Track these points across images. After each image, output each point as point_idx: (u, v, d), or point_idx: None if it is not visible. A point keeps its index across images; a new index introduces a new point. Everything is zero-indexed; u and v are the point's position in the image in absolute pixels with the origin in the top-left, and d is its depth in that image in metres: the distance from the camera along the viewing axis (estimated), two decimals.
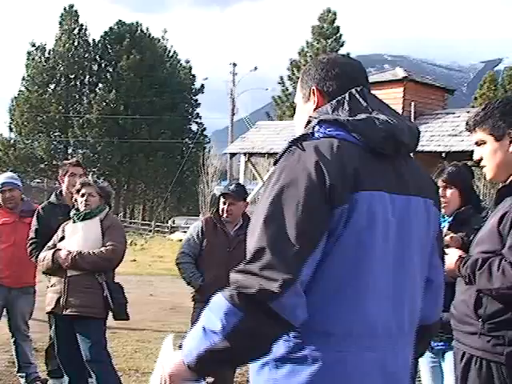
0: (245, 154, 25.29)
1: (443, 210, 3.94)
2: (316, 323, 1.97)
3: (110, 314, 5.76)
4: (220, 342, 1.86)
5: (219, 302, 1.89)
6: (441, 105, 21.85)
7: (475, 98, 49.90)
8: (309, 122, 2.17)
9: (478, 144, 3.20)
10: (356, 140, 2.06)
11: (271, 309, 1.84)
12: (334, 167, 1.96)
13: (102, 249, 5.60)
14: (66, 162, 6.79)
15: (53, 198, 6.47)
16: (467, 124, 3.23)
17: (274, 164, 2.09)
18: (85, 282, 5.58)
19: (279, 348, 1.99)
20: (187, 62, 64.97)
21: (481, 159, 3.19)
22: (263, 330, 1.87)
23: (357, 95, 2.16)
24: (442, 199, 3.89)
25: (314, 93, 2.27)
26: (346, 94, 2.16)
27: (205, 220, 6.22)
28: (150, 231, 44.51)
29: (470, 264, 3.08)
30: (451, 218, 3.95)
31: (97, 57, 60.93)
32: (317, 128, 2.11)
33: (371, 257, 2.00)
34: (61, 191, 6.47)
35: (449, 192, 3.96)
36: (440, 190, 3.91)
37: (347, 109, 2.12)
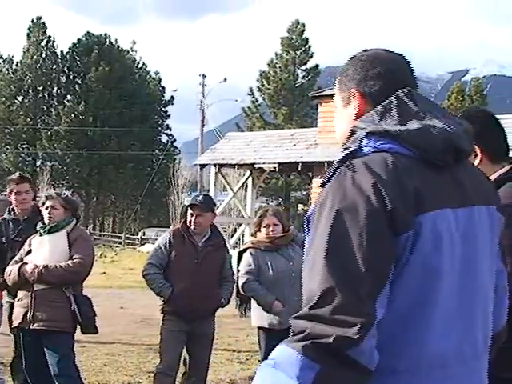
0: (215, 165, 25.22)
1: None
2: (383, 361, 1.71)
3: (79, 327, 5.72)
4: None
5: (288, 356, 1.64)
6: None
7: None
8: (352, 132, 1.90)
9: None
10: (411, 153, 1.81)
11: (349, 357, 1.61)
12: (393, 188, 1.72)
13: (69, 262, 5.54)
14: (10, 178, 6.58)
15: (6, 214, 6.39)
16: None
17: (322, 186, 1.83)
18: (52, 296, 5.53)
19: None
20: (156, 73, 64.90)
21: None
22: (343, 380, 1.63)
23: (405, 98, 1.88)
24: None
25: (354, 96, 1.99)
26: (393, 98, 1.88)
27: (173, 231, 6.18)
28: (120, 243, 44.27)
29: None
30: None
31: (65, 68, 60.57)
32: (365, 141, 1.84)
33: (438, 282, 1.79)
34: (13, 207, 6.38)
35: None
36: None
37: (396, 115, 1.85)
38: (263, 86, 50.62)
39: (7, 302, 6.26)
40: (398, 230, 1.70)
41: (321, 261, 1.67)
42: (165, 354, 6.01)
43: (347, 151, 1.83)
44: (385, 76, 1.95)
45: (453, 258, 1.81)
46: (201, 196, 6.33)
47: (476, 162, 3.03)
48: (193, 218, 5.98)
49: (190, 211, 6.01)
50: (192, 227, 5.99)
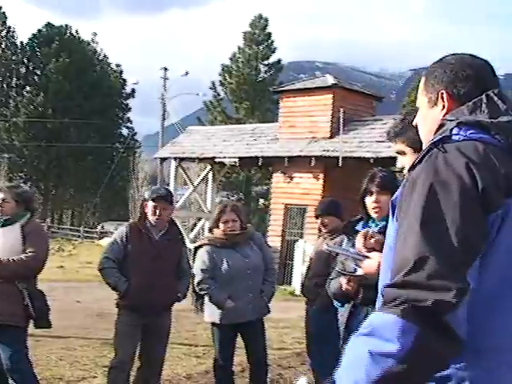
0: (175, 158, 25.15)
1: (375, 215, 3.96)
2: (466, 339, 1.72)
3: (32, 321, 5.65)
4: (396, 364, 1.62)
5: (386, 321, 1.66)
6: (369, 112, 22.16)
7: (403, 106, 50.82)
8: (441, 125, 1.99)
9: (399, 153, 3.21)
10: (500, 144, 1.88)
11: (446, 322, 1.64)
12: (486, 170, 1.78)
13: (23, 255, 5.46)
14: None
15: None
16: (388, 134, 3.24)
17: (411, 169, 1.91)
18: (4, 290, 5.45)
19: None
20: (118, 65, 64.36)
21: (403, 167, 3.21)
22: (440, 346, 1.65)
23: (495, 97, 1.96)
24: (375, 204, 3.91)
25: (442, 97, 2.06)
26: (483, 96, 1.96)
27: (130, 225, 6.11)
28: (79, 237, 43.89)
29: None
30: (383, 223, 3.96)
31: (24, 59, 59.71)
32: (456, 130, 1.92)
33: None
34: None
35: (383, 197, 3.98)
36: (374, 196, 3.93)
37: (486, 111, 1.93)
38: (225, 80, 50.53)
39: None
40: (488, 209, 1.76)
41: (415, 230, 1.72)
42: (120, 348, 5.95)
43: (437, 138, 1.90)
44: (474, 79, 2.03)
45: None
46: (163, 189, 6.28)
47: None
48: (157, 211, 5.90)
49: (152, 204, 5.93)
50: (155, 219, 5.91)
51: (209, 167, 25.92)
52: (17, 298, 5.47)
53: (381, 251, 3.51)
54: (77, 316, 11.90)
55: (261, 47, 50.36)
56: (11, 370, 5.47)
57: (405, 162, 3.17)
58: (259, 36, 50.31)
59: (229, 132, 25.39)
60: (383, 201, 3.95)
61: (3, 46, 58.51)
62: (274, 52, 51.05)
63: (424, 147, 2.06)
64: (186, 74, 45.03)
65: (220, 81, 51.00)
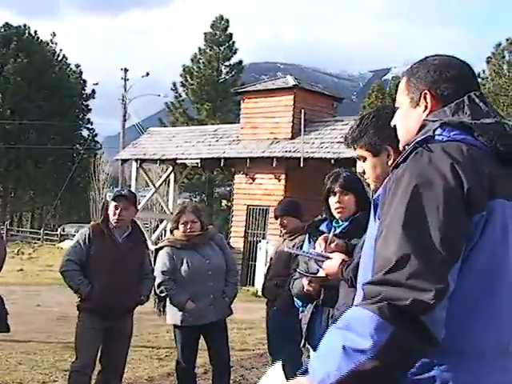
0: (136, 160, 25.02)
1: (338, 215, 3.97)
2: (449, 341, 1.76)
3: None
4: (368, 361, 1.64)
5: (362, 317, 1.68)
6: (330, 112, 22.29)
7: (364, 107, 51.22)
8: (423, 126, 2.00)
9: (358, 159, 3.23)
10: (483, 145, 1.89)
11: (422, 322, 1.66)
12: (470, 171, 1.79)
13: None
14: None
15: None
16: (345, 140, 3.25)
17: (395, 168, 1.92)
18: None
19: None
20: (77, 66, 63.69)
21: (364, 172, 3.23)
22: (413, 345, 1.67)
23: (477, 99, 1.98)
24: (338, 204, 3.93)
25: (425, 97, 2.06)
26: (465, 98, 1.98)
27: (92, 226, 6.06)
28: (39, 239, 43.38)
29: (352, 268, 3.12)
30: (347, 224, 3.98)
31: None
32: (439, 131, 1.93)
33: (504, 271, 1.84)
34: None
35: (346, 197, 3.99)
36: (337, 196, 3.94)
37: (468, 113, 1.94)
38: (186, 81, 50.37)
39: None
40: (472, 209, 1.77)
41: (398, 230, 1.73)
42: (81, 351, 5.89)
43: (421, 137, 1.90)
44: (457, 80, 2.05)
45: None
46: (125, 190, 6.27)
47: (387, 159, 3.07)
48: (117, 211, 5.86)
49: (114, 204, 5.88)
50: (115, 220, 5.87)
51: (170, 168, 25.82)
52: None
53: (340, 252, 3.54)
54: (37, 320, 11.77)
55: (222, 48, 50.29)
56: None
57: (365, 166, 3.18)
58: (220, 37, 50.26)
59: (190, 133, 25.33)
60: (346, 201, 3.97)
61: None
62: (235, 53, 51.02)
63: (401, 146, 2.12)
64: (147, 74, 44.86)
65: (181, 82, 50.82)
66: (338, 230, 3.92)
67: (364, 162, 3.18)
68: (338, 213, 3.97)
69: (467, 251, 1.79)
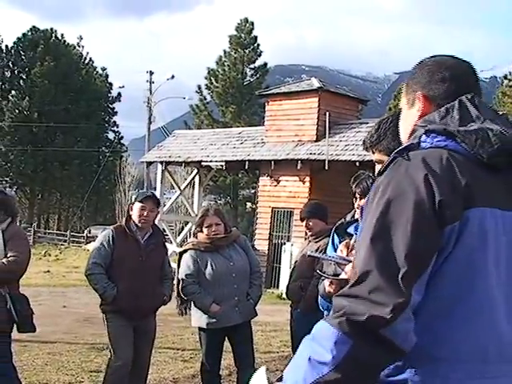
0: (162, 162, 25.13)
1: (360, 219, 3.97)
2: (421, 346, 1.81)
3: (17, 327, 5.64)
4: (330, 373, 1.72)
5: (325, 330, 1.76)
6: (355, 115, 22.25)
7: (389, 109, 50.98)
8: (414, 130, 2.03)
9: (377, 163, 3.22)
10: (466, 152, 1.90)
11: (383, 335, 1.71)
12: (445, 181, 1.82)
13: (4, 260, 5.46)
14: None
15: None
16: (364, 144, 3.24)
17: (379, 175, 1.94)
18: None
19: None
20: (103, 69, 64.17)
21: None
22: (375, 358, 1.74)
23: (467, 103, 1.98)
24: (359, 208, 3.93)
25: (419, 98, 2.09)
26: (456, 102, 1.98)
27: (115, 228, 6.10)
28: (66, 241, 43.68)
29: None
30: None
31: (9, 63, 59.44)
32: (424, 138, 1.96)
33: (481, 278, 1.85)
34: None
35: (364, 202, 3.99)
36: (359, 200, 3.95)
37: (457, 118, 1.95)
38: (211, 83, 50.50)
39: None
40: (444, 221, 1.79)
41: (366, 244, 1.79)
42: (119, 348, 5.89)
43: (405, 145, 1.96)
44: (450, 80, 2.06)
45: (498, 260, 1.87)
46: (149, 192, 6.33)
47: None
48: (144, 213, 5.90)
49: (140, 205, 5.93)
50: (142, 221, 5.91)
51: (195, 171, 25.89)
52: None
53: None
54: (63, 321, 11.85)
55: (247, 51, 50.37)
56: None
57: None
58: (245, 39, 50.33)
59: (215, 136, 25.39)
60: None
61: None
62: (260, 55, 51.08)
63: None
64: (172, 77, 45.04)
65: (206, 84, 50.96)
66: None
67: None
68: (360, 217, 3.98)
69: (441, 261, 1.82)
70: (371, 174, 4.26)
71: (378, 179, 1.92)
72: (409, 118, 2.14)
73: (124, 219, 6.15)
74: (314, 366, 1.74)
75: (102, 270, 5.86)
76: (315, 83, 21.57)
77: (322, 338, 1.75)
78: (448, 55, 2.17)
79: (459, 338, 1.85)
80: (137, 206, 5.96)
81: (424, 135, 1.96)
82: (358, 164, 18.15)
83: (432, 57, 2.17)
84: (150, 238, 6.00)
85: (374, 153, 3.17)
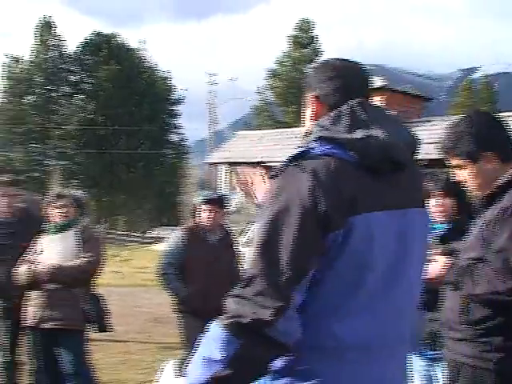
0: (225, 163, 25.29)
1: (438, 218, 3.96)
2: (310, 339, 1.99)
3: (92, 326, 5.74)
4: (222, 370, 1.91)
5: (216, 331, 1.94)
6: (418, 113, 21.97)
7: (453, 106, 50.24)
8: (309, 133, 2.17)
9: (456, 168, 3.21)
10: (353, 159, 2.04)
11: (266, 335, 1.89)
12: (330, 192, 1.95)
13: (80, 261, 5.55)
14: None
15: None
16: (441, 149, 3.23)
17: (271, 178, 2.08)
18: (64, 295, 5.54)
19: (277, 361, 2.02)
20: (166, 72, 64.83)
21: (464, 181, 3.21)
22: (261, 354, 1.92)
23: (357, 107, 2.12)
24: (437, 207, 3.92)
25: (312, 99, 2.25)
26: (346, 107, 2.12)
27: (186, 229, 6.17)
28: (132, 242, 44.26)
29: (455, 270, 3.11)
30: (446, 226, 3.97)
31: (74, 68, 60.60)
32: (314, 144, 2.08)
33: (367, 276, 2.02)
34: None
35: (446, 200, 3.97)
36: (436, 199, 3.94)
37: (346, 124, 2.08)
38: (272, 84, 50.57)
39: (0, 304, 6.21)
40: (328, 228, 1.94)
41: (255, 250, 1.97)
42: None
43: (297, 151, 2.07)
44: (339, 82, 2.20)
45: (385, 256, 2.05)
46: (216, 193, 6.37)
47: (487, 165, 3.07)
48: (209, 214, 5.97)
49: (205, 207, 6.00)
50: (208, 223, 5.98)
51: (258, 171, 25.95)
52: (75, 303, 5.57)
53: (443, 255, 3.53)
54: (135, 320, 11.97)
55: (306, 50, 50.28)
56: (72, 374, 5.56)
57: (464, 174, 3.16)
58: (305, 39, 50.25)
59: (278, 136, 25.41)
60: (446, 204, 3.95)
61: (52, 54, 59.42)
62: (320, 55, 50.92)
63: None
64: (233, 79, 45.38)
65: (267, 85, 51.06)
66: (436, 232, 3.91)
67: (462, 170, 3.16)
68: (438, 216, 3.96)
69: (328, 263, 1.97)
70: (438, 173, 4.24)
71: (271, 184, 2.05)
72: (306, 117, 2.30)
73: (192, 221, 6.23)
74: (209, 363, 1.93)
75: (174, 270, 5.95)
76: (377, 82, 21.41)
77: (214, 339, 1.93)
78: (341, 58, 2.30)
79: (342, 330, 2.00)
80: (203, 207, 6.02)
81: (315, 142, 2.08)
82: (421, 163, 17.94)
83: (325, 59, 2.33)
84: (219, 239, 6.07)
85: (451, 158, 3.17)
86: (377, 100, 20.87)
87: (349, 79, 2.21)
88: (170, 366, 2.23)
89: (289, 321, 1.90)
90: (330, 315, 2.01)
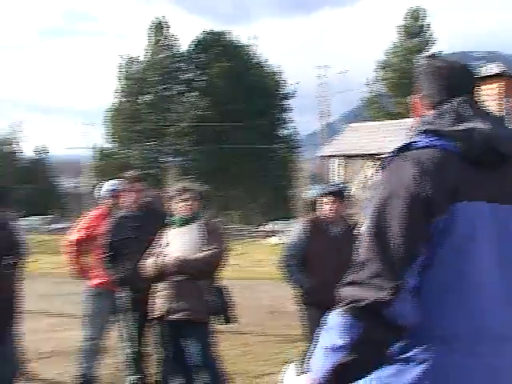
0: (338, 156, 25.18)
1: None
2: (423, 326, 2.02)
3: (217, 318, 5.84)
4: (345, 355, 1.96)
5: (336, 319, 1.99)
6: None
7: None
8: (414, 128, 2.23)
9: None
10: (457, 150, 2.09)
11: (385, 316, 1.94)
12: (433, 179, 2.02)
13: (205, 253, 5.64)
14: (125, 176, 6.62)
15: (123, 212, 6.52)
16: None
17: (379, 170, 2.18)
18: (189, 287, 5.65)
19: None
20: (276, 67, 65.16)
21: None
22: (382, 336, 1.98)
23: (461, 104, 2.18)
24: None
25: (419, 98, 2.34)
26: (451, 103, 2.19)
27: (307, 221, 6.18)
28: (247, 236, 44.74)
29: None
30: None
31: (187, 66, 61.79)
32: (419, 137, 2.15)
33: (474, 264, 2.04)
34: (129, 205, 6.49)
35: None
36: None
37: (450, 118, 2.14)
38: (383, 75, 49.94)
39: (128, 296, 6.39)
40: (432, 214, 2.00)
41: (365, 236, 2.04)
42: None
43: (402, 144, 2.16)
44: (443, 82, 2.27)
45: (488, 250, 2.06)
46: (336, 185, 6.36)
47: None
48: (331, 206, 5.97)
49: (326, 199, 5.99)
50: (330, 215, 5.98)
51: (372, 163, 25.72)
52: (200, 294, 5.67)
53: None
54: (254, 313, 12.03)
55: (418, 40, 49.34)
56: (199, 365, 5.66)
57: None
58: (415, 28, 49.30)
59: (391, 127, 25.07)
60: None
61: (165, 54, 60.82)
62: (432, 44, 49.86)
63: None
64: (343, 71, 45.16)
65: (377, 76, 50.47)
66: None
67: None
68: None
69: (432, 251, 2.01)
70: None
71: (377, 177, 2.15)
72: (413, 115, 2.37)
73: (313, 213, 6.23)
74: (332, 351, 1.99)
75: (296, 262, 5.97)
76: (493, 69, 20.74)
77: (334, 327, 1.99)
78: (446, 59, 2.37)
79: (456, 319, 2.03)
80: (324, 199, 6.02)
81: (420, 135, 2.15)
82: None
83: (430, 60, 2.39)
84: (341, 231, 6.04)
85: None
86: (493, 88, 20.22)
87: (453, 79, 2.28)
88: (291, 368, 2.29)
89: (404, 302, 1.95)
90: (437, 303, 2.04)
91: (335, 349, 1.98)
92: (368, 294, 1.94)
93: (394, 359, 2.06)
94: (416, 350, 2.03)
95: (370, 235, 2.02)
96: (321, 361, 2.02)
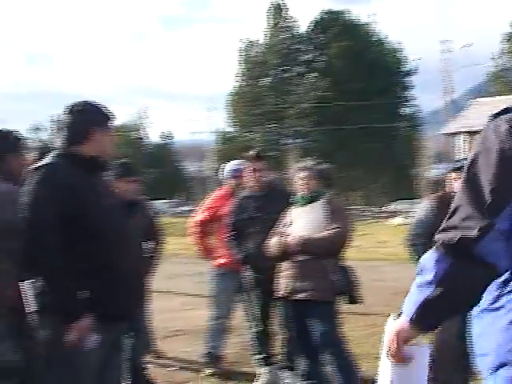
0: (464, 132, 24.55)
1: None
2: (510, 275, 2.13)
3: (342, 297, 5.77)
4: (435, 289, 2.11)
5: (427, 259, 2.16)
6: None
7: None
8: None
9: None
10: None
11: (475, 253, 2.04)
12: None
13: (330, 232, 5.57)
14: (247, 155, 6.62)
15: (246, 192, 6.56)
16: None
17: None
18: (314, 266, 5.60)
19: (484, 300, 2.17)
20: (397, 43, 63.98)
21: None
22: (471, 273, 2.08)
23: None
24: None
25: None
26: None
27: (435, 199, 5.99)
28: (370, 216, 44.38)
29: None
30: None
31: (306, 47, 61.70)
32: None
33: None
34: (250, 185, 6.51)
35: None
36: None
37: None
38: (509, 48, 48.10)
39: (252, 275, 6.43)
40: None
41: (460, 187, 2.17)
42: None
43: (498, 110, 2.23)
44: None
45: None
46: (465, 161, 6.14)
47: None
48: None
49: (456, 175, 5.80)
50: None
51: None
52: (325, 274, 5.61)
53: None
54: (377, 294, 11.93)
55: None
56: (324, 346, 5.62)
57: None
58: None
59: None
60: None
61: (284, 36, 60.95)
62: None
63: None
64: (468, 45, 43.63)
65: (503, 49, 48.65)
66: None
67: None
68: None
69: None
70: None
71: (477, 137, 2.23)
72: None
73: (441, 192, 6.04)
74: (422, 288, 2.14)
75: (424, 241, 5.80)
76: None
77: (426, 264, 2.15)
78: None
79: None
80: (453, 175, 5.82)
81: None
82: None
83: None
84: None
85: None
86: None
87: None
88: (391, 320, 2.42)
89: (495, 241, 2.04)
90: None
91: (425, 285, 2.13)
92: (458, 234, 2.07)
93: (488, 310, 2.17)
94: (507, 298, 2.12)
95: (463, 184, 2.14)
96: (413, 299, 2.18)
